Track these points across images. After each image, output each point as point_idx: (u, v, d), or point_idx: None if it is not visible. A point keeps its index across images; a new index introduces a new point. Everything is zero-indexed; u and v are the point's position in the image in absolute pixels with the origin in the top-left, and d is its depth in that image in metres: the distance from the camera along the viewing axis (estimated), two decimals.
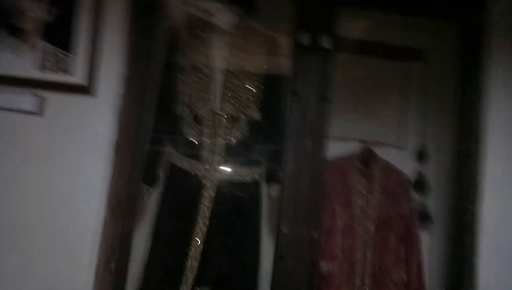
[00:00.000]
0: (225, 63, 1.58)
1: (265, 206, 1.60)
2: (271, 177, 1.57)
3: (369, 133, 1.84)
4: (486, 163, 1.54)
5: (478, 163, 1.54)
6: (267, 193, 1.59)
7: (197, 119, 1.52)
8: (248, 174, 1.53)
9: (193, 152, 1.51)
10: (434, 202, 1.78)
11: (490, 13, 1.60)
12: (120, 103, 1.38)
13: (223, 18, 1.62)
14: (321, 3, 1.52)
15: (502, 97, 1.59)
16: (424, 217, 1.74)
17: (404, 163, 1.81)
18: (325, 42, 1.50)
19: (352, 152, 1.76)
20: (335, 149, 1.77)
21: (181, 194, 1.51)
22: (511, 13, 1.61)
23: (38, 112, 1.36)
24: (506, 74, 1.60)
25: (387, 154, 1.80)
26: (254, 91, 1.58)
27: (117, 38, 1.42)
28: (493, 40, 1.60)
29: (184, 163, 1.51)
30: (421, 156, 1.84)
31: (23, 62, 1.38)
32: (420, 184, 1.79)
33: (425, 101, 1.86)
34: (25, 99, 1.36)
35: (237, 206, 1.52)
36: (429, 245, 1.75)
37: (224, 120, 1.53)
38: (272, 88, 1.59)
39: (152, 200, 1.56)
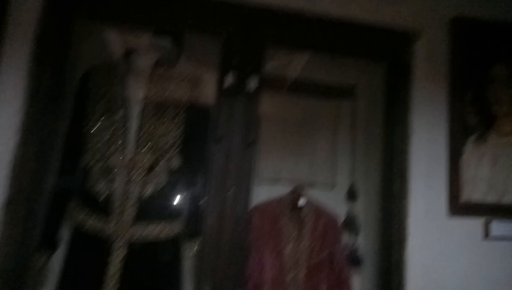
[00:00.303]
0: (143, 104, 1.43)
1: (186, 264, 1.43)
2: (191, 231, 1.42)
3: (300, 173, 1.78)
4: (411, 203, 1.51)
5: (404, 203, 1.52)
6: (188, 249, 1.42)
7: (108, 169, 1.35)
8: (165, 229, 1.38)
9: (102, 207, 1.33)
10: (365, 241, 1.74)
11: (415, 53, 1.61)
12: (15, 155, 1.18)
13: (145, 55, 1.49)
14: (247, 44, 1.46)
15: (425, 136, 1.60)
16: (355, 259, 1.69)
17: (336, 203, 1.76)
18: (251, 84, 1.42)
19: (281, 195, 1.67)
20: (264, 192, 1.68)
21: (88, 256, 1.33)
22: (434, 53, 1.63)
23: None
24: (429, 113, 1.60)
25: (318, 195, 1.74)
26: (174, 135, 1.43)
27: (17, 82, 1.24)
28: (416, 79, 1.60)
29: (91, 220, 1.33)
30: (351, 195, 1.80)
31: None
32: (350, 224, 1.75)
33: (355, 139, 1.83)
34: None
35: (154, 267, 1.36)
36: (360, 285, 1.68)
37: (140, 169, 1.37)
38: (194, 132, 1.48)
39: (53, 266, 1.34)
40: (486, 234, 1.58)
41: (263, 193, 1.67)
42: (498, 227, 1.58)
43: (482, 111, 1.65)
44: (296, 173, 1.79)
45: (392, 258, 1.51)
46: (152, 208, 1.37)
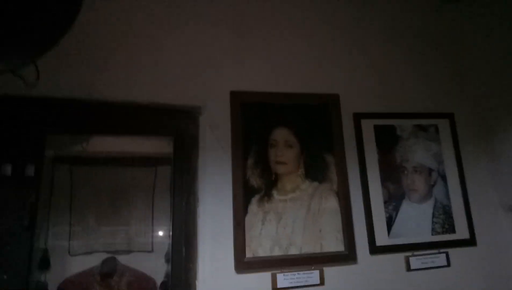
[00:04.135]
0: None
1: None
2: None
3: (116, 241, 1.91)
4: (199, 265, 1.66)
5: (190, 266, 1.66)
6: None
7: None
8: None
9: None
10: None
11: (200, 126, 1.81)
12: None
13: None
14: (25, 132, 1.61)
15: (212, 201, 1.77)
16: None
17: (155, 266, 1.88)
18: (29, 170, 1.57)
19: (93, 266, 1.80)
20: (80, 265, 1.80)
21: None
22: (218, 125, 1.83)
23: None
24: (216, 179, 1.78)
25: (136, 260, 1.87)
26: None
27: None
28: (203, 150, 1.79)
29: None
30: (168, 258, 1.92)
31: None
32: (168, 286, 1.86)
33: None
34: None
35: None
36: None
37: None
38: None
39: None
40: (275, 286, 1.71)
41: (78, 266, 1.78)
42: (283, 278, 1.73)
43: (265, 172, 1.82)
44: (112, 242, 1.92)
45: None
46: None
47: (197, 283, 1.65)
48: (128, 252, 1.85)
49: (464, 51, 2.26)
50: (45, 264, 1.79)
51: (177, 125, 1.80)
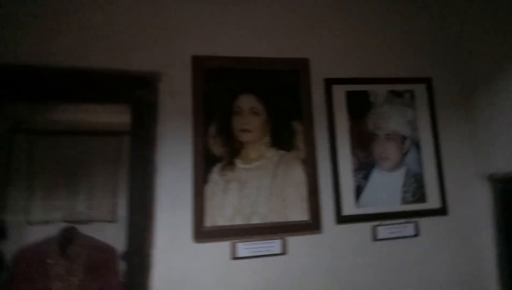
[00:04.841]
0: None
1: None
2: None
3: (78, 211, 1.89)
4: (156, 234, 1.63)
5: (147, 235, 1.64)
6: None
7: None
8: None
9: None
10: None
11: (159, 92, 1.73)
12: None
13: None
14: None
15: (171, 170, 1.73)
16: None
17: (118, 236, 1.87)
18: None
19: (49, 235, 1.79)
20: (38, 235, 1.79)
21: None
22: (178, 91, 1.75)
23: None
24: (175, 148, 1.72)
25: (98, 230, 1.85)
26: None
27: None
28: (162, 117, 1.72)
29: None
30: None
31: None
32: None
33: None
34: None
35: None
36: None
37: None
38: None
39: None
40: (235, 255, 1.70)
41: (36, 234, 1.77)
42: (243, 248, 1.71)
43: (228, 140, 1.76)
44: (72, 212, 1.90)
45: (137, 287, 1.62)
46: None
47: (154, 252, 1.61)
48: (88, 222, 1.83)
49: (443, 14, 2.11)
50: (1, 233, 1.78)
51: (133, 92, 1.72)
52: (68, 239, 1.78)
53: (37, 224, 1.64)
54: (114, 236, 1.84)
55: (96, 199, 1.83)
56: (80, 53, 1.67)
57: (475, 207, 1.95)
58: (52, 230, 1.74)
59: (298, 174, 1.80)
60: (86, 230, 1.75)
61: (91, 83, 1.71)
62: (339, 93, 1.89)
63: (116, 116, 1.84)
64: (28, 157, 1.73)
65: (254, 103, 1.80)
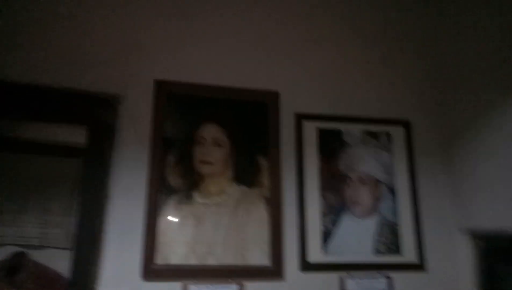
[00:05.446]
0: None
1: None
2: None
3: (30, 236, 1.75)
4: (103, 268, 1.49)
5: (91, 269, 1.50)
6: None
7: None
8: None
9: None
10: None
11: (119, 116, 1.64)
12: None
13: None
14: None
15: (124, 199, 1.62)
16: None
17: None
18: None
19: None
20: None
21: None
22: (139, 116, 1.66)
23: None
24: (131, 175, 1.60)
25: (51, 257, 1.70)
26: None
27: None
28: (120, 142, 1.62)
29: None
30: None
31: None
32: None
33: None
34: None
35: None
36: None
37: None
38: None
39: None
40: None
41: None
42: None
43: (187, 171, 1.64)
44: (25, 236, 1.75)
45: None
46: None
47: (98, 288, 1.45)
48: (42, 247, 1.67)
49: (425, 54, 2.04)
50: None
51: (92, 113, 1.63)
52: (15, 265, 1.61)
53: None
54: (69, 264, 1.68)
55: (51, 223, 1.68)
56: (40, 69, 1.61)
57: (456, 264, 1.77)
58: (2, 254, 1.60)
59: (261, 214, 1.65)
60: (38, 256, 1.60)
61: (49, 100, 1.62)
62: (310, 129, 1.79)
63: (73, 136, 1.74)
64: None
65: (218, 134, 1.69)
